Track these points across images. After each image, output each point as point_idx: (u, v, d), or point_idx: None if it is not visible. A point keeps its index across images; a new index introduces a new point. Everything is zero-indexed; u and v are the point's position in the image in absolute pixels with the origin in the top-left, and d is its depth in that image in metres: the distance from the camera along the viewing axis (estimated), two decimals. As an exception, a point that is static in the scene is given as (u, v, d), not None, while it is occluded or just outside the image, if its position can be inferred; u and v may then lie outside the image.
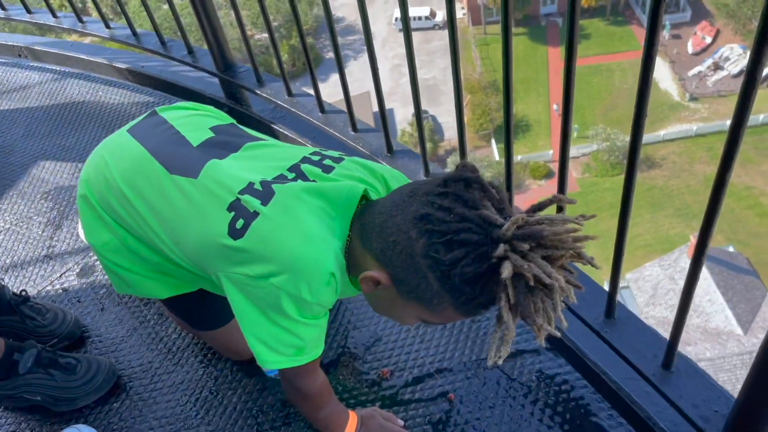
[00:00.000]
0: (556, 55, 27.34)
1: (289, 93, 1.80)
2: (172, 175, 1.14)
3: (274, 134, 1.94)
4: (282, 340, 1.05)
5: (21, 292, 1.56)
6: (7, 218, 2.01)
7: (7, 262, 1.87)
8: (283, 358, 1.07)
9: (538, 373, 1.39)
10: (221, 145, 1.21)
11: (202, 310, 1.40)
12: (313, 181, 1.11)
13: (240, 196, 1.07)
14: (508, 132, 1.21)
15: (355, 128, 1.66)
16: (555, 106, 24.56)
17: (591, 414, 1.31)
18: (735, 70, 26.81)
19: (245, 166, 1.17)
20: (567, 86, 0.99)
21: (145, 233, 1.18)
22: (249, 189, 1.09)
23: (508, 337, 0.90)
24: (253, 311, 1.04)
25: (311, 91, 1.79)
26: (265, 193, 1.07)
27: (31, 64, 2.73)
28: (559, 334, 0.91)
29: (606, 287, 1.23)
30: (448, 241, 0.86)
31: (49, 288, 1.75)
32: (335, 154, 1.18)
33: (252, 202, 1.05)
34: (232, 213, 1.06)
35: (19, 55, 2.76)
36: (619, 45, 27.68)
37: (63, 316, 1.58)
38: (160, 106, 2.36)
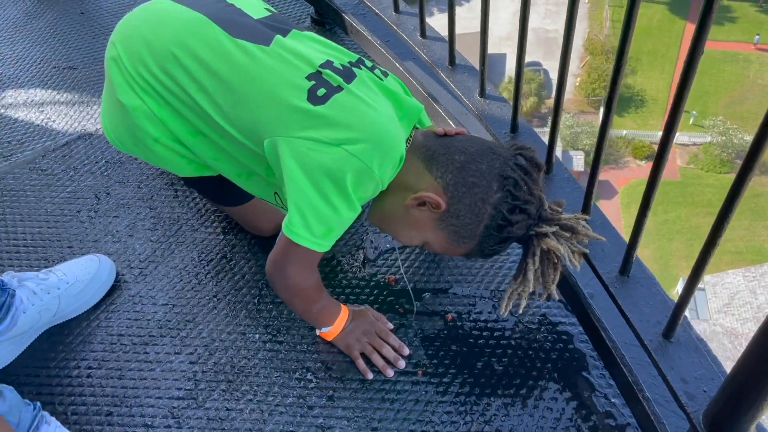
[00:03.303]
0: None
1: (369, -15, 1.75)
2: (236, 39, 1.14)
3: (345, 27, 1.90)
4: (320, 216, 1.05)
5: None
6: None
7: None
8: (308, 236, 1.07)
9: (541, 317, 1.35)
10: (280, 23, 1.22)
11: (221, 186, 1.38)
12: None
13: (321, 70, 1.10)
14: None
15: (423, 34, 1.60)
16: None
17: (584, 369, 1.27)
18: None
19: (314, 48, 1.18)
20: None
21: (186, 98, 1.16)
22: (329, 65, 1.12)
23: (526, 294, 1.13)
24: (303, 180, 1.04)
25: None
26: (346, 72, 1.12)
27: None
28: (557, 297, 1.16)
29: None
30: (515, 206, 1.06)
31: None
32: (368, 63, 1.21)
33: (335, 77, 1.10)
34: (313, 82, 1.09)
35: None
36: (766, 36, 25.24)
37: None
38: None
